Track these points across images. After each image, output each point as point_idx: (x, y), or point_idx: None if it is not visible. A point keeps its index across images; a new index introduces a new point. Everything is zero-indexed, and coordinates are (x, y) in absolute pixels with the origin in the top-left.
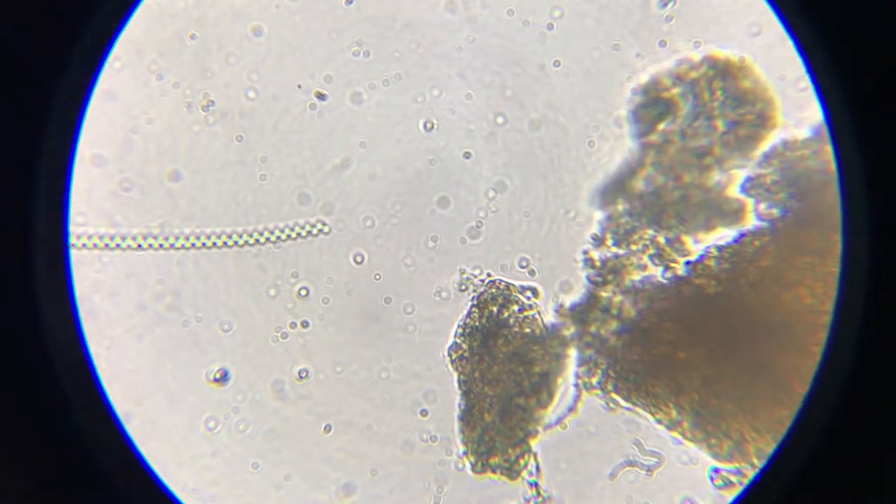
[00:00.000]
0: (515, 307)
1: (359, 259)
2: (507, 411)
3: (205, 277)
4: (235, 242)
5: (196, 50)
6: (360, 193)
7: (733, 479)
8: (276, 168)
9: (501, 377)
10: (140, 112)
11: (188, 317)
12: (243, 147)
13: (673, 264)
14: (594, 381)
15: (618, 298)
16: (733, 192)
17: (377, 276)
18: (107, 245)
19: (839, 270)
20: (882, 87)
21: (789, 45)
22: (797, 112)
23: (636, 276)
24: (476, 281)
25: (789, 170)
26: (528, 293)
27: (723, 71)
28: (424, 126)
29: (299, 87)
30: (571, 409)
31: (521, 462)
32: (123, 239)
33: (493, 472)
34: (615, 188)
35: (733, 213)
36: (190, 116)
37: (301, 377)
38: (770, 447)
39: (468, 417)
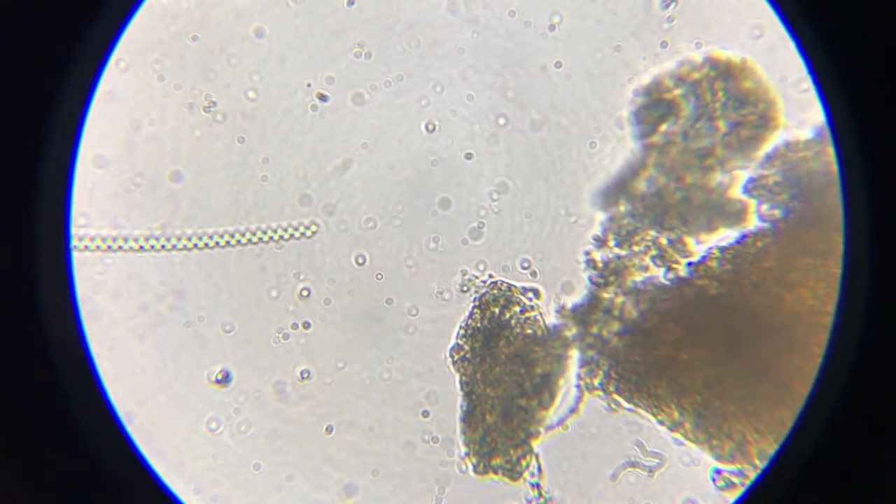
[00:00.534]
0: (517, 308)
1: (360, 260)
2: (508, 412)
3: (206, 278)
4: (238, 241)
5: (198, 51)
6: (361, 194)
7: (735, 480)
8: (277, 169)
9: (503, 378)
10: (142, 113)
11: (190, 317)
12: (245, 148)
13: (675, 265)
14: (596, 382)
15: (620, 299)
16: (735, 193)
17: (379, 277)
18: (109, 247)
19: (841, 271)
20: (883, 88)
21: (791, 45)
22: (799, 113)
23: (638, 277)
24: (478, 282)
25: (791, 171)
26: (530, 294)
27: (725, 72)
28: (426, 127)
29: (308, 86)
30: (573, 411)
31: (523, 463)
32: (126, 240)
33: (495, 473)
34: (617, 189)
35: (735, 215)
36: (192, 117)
37: (303, 378)
38: (772, 448)
39: (470, 418)
